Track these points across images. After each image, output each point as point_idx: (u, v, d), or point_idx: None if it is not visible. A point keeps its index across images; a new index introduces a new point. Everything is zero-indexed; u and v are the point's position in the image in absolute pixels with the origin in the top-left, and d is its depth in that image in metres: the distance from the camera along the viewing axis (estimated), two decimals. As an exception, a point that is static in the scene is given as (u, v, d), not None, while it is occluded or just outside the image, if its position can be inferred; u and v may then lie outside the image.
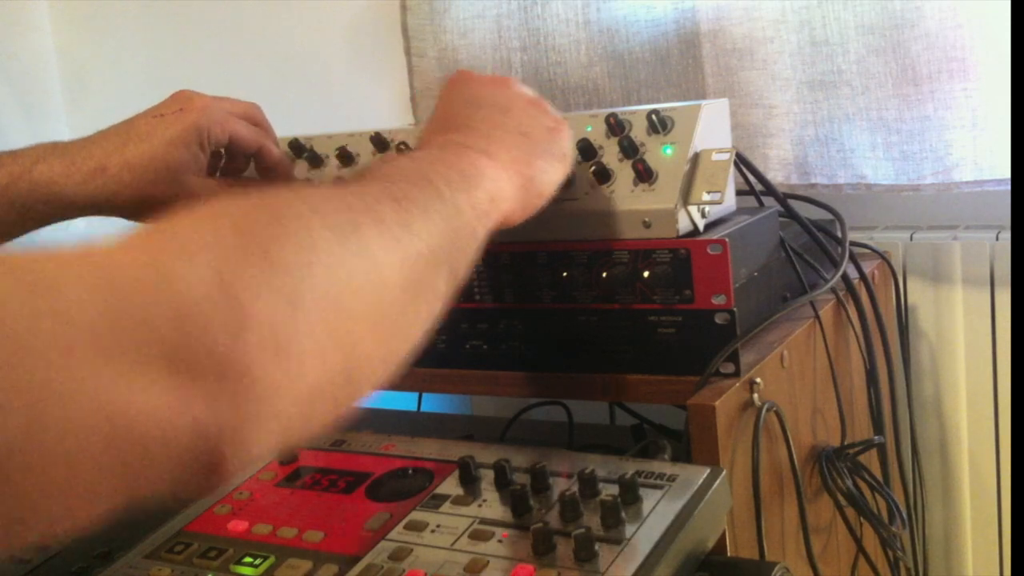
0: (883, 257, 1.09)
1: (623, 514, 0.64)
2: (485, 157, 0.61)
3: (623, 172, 0.78)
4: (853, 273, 0.97)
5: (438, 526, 0.67)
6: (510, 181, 0.62)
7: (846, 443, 0.90)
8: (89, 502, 0.37)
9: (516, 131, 0.66)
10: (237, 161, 0.90)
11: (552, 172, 0.67)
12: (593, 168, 0.78)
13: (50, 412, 0.34)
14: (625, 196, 0.77)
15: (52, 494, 0.35)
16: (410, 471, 0.75)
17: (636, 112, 0.79)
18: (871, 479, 0.91)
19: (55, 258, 0.37)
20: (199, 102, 0.85)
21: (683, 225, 0.76)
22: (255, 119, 0.90)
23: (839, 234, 0.95)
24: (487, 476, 0.72)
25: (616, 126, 0.79)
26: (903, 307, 1.12)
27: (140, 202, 0.84)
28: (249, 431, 0.39)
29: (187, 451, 0.38)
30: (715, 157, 0.76)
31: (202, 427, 0.37)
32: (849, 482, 0.87)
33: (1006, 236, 1.10)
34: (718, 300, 0.74)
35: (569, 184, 0.79)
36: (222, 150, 0.89)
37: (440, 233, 0.52)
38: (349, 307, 0.44)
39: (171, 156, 0.83)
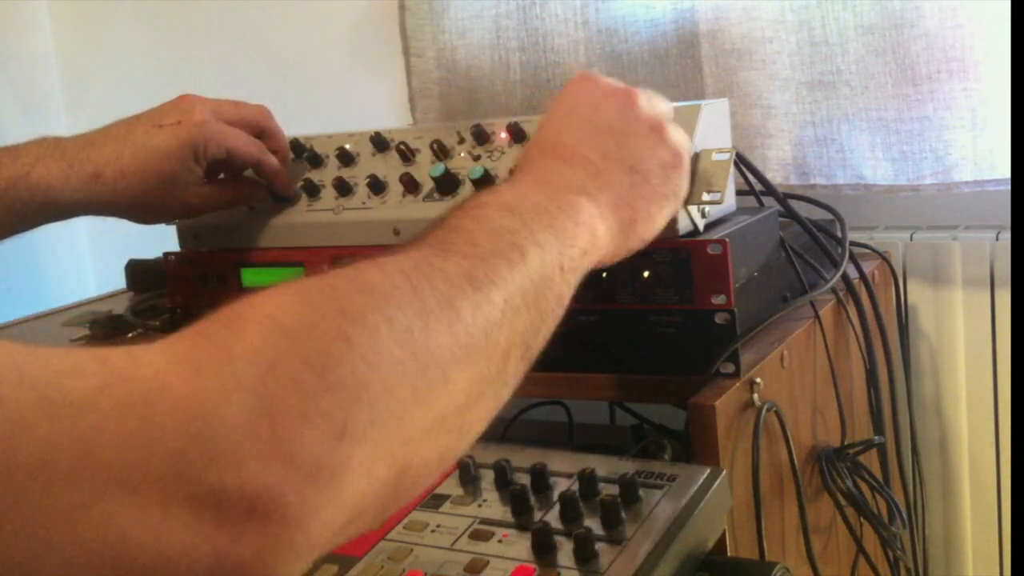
0: (883, 257, 1.09)
1: (623, 514, 0.64)
2: (587, 201, 0.57)
3: (623, 172, 0.77)
4: (853, 273, 0.97)
5: (438, 526, 0.67)
6: (609, 228, 0.58)
7: (846, 443, 0.90)
8: None
9: (627, 165, 0.61)
10: (236, 169, 0.89)
11: (658, 216, 0.63)
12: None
13: (58, 540, 0.31)
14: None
15: None
16: (410, 471, 0.75)
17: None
18: (871, 479, 0.91)
19: (97, 372, 0.34)
20: (198, 115, 0.83)
21: (683, 225, 0.76)
22: (260, 125, 0.89)
23: (839, 234, 0.95)
24: (487, 476, 0.72)
25: (616, 126, 0.79)
26: (903, 307, 1.11)
27: (135, 208, 0.84)
28: (276, 566, 0.36)
29: None
30: (715, 157, 0.76)
31: (222, 565, 0.34)
32: (849, 482, 0.87)
33: (1006, 236, 1.10)
34: (718, 300, 0.74)
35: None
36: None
37: (520, 318, 0.48)
38: (407, 421, 0.40)
39: (164, 169, 0.82)
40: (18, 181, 0.81)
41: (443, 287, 0.45)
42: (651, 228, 0.64)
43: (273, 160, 0.88)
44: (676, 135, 0.67)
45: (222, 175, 0.90)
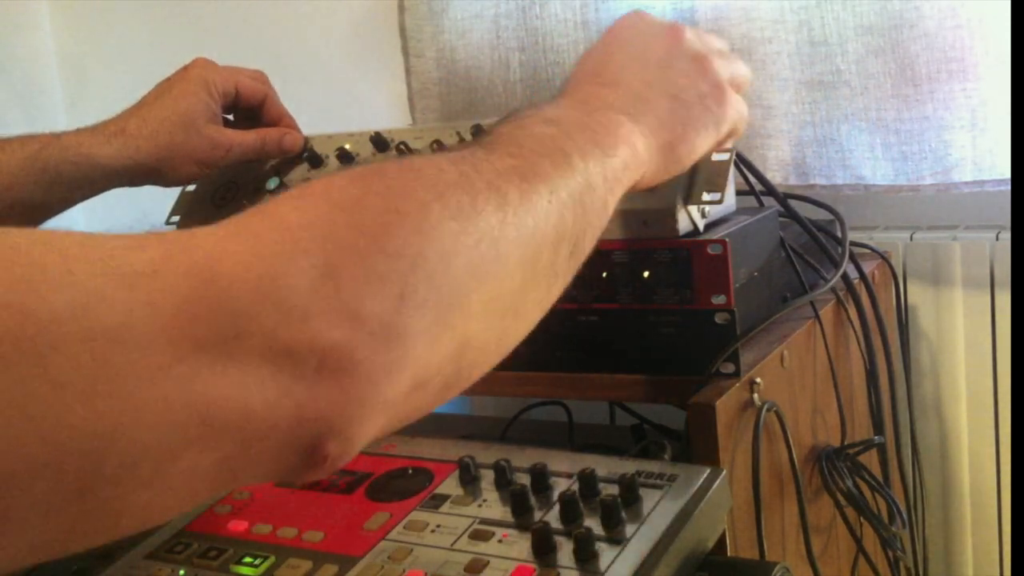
0: (883, 257, 1.09)
1: (623, 514, 0.64)
2: (628, 120, 0.58)
3: (623, 172, 0.77)
4: (853, 273, 0.97)
5: (438, 526, 0.67)
6: (648, 146, 0.59)
7: (846, 443, 0.90)
8: (187, 493, 0.36)
9: (668, 93, 0.62)
10: (245, 118, 0.95)
11: (698, 141, 0.64)
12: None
13: (145, 401, 0.33)
14: (625, 196, 0.77)
15: (150, 488, 0.34)
16: (410, 471, 0.75)
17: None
18: (871, 479, 0.91)
19: (155, 246, 0.36)
20: (200, 60, 0.92)
21: (683, 225, 0.76)
22: (259, 77, 0.97)
23: (839, 234, 0.95)
24: (487, 476, 0.72)
25: (616, 126, 0.79)
26: (903, 307, 1.11)
27: (162, 157, 0.88)
28: (352, 421, 0.38)
29: (288, 442, 0.36)
30: (715, 157, 0.76)
31: (303, 419, 0.36)
32: (849, 482, 0.87)
33: (1006, 236, 1.10)
34: (718, 300, 0.74)
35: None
36: (230, 116, 0.95)
37: (567, 212, 0.49)
38: (464, 295, 0.42)
39: (182, 106, 0.89)
40: (49, 144, 0.87)
41: (489, 175, 0.46)
42: (691, 153, 0.64)
43: (278, 99, 0.96)
44: (721, 68, 0.67)
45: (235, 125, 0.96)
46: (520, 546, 0.64)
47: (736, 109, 0.67)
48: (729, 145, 0.71)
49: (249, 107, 0.95)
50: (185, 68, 0.91)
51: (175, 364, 0.33)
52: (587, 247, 0.53)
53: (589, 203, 0.52)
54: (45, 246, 0.33)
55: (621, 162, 0.56)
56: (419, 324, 0.39)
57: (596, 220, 0.54)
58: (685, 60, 0.65)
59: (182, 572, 0.68)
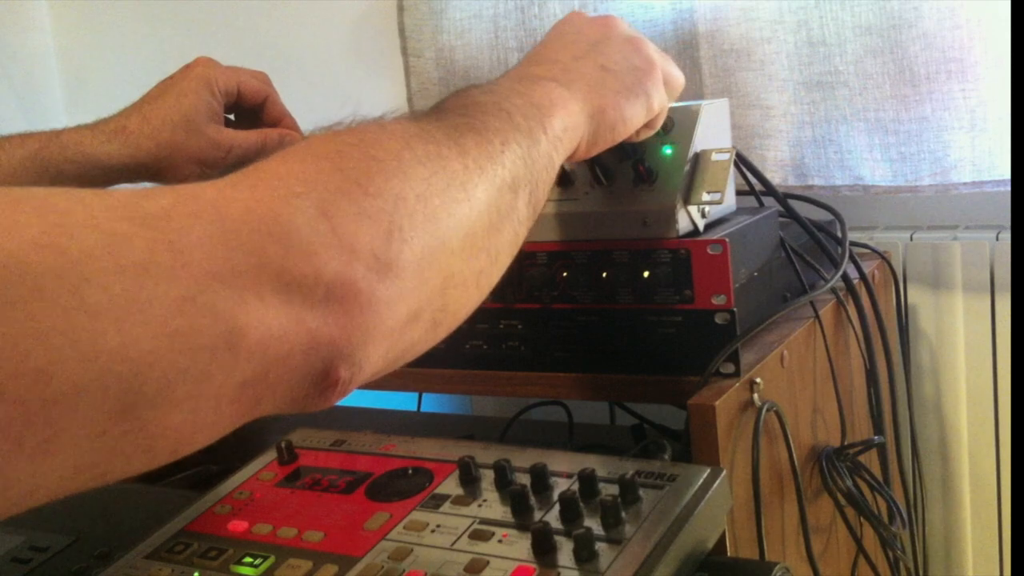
0: (883, 257, 1.09)
1: (623, 514, 0.64)
2: (558, 87, 0.62)
3: (623, 172, 0.78)
4: (853, 273, 0.97)
5: (438, 526, 0.67)
6: (582, 110, 0.62)
7: (846, 443, 0.90)
8: (215, 417, 0.39)
9: (598, 65, 0.66)
10: (246, 118, 0.96)
11: (628, 109, 0.66)
12: (593, 168, 0.78)
13: (176, 327, 0.36)
14: (625, 196, 0.77)
15: (182, 410, 0.37)
16: (410, 471, 0.75)
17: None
18: (871, 479, 0.91)
19: (164, 195, 0.39)
20: (204, 60, 0.92)
21: (683, 225, 0.76)
22: (260, 76, 0.97)
23: (839, 234, 0.95)
24: (487, 476, 0.72)
25: (616, 126, 0.79)
26: (903, 307, 1.12)
27: (163, 156, 0.88)
28: (360, 347, 0.42)
29: (304, 366, 0.40)
30: (715, 157, 0.76)
31: (316, 343, 0.40)
32: (849, 482, 0.87)
33: (1006, 236, 1.10)
34: (718, 300, 0.74)
35: (569, 184, 0.79)
36: (231, 116, 0.95)
37: (519, 160, 0.54)
38: (442, 232, 0.47)
39: (184, 104, 0.89)
40: (50, 142, 0.87)
41: (446, 129, 0.52)
42: (622, 121, 0.66)
43: (280, 100, 0.97)
44: (656, 53, 0.70)
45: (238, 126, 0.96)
46: (520, 546, 0.64)
47: (665, 92, 0.70)
48: (655, 129, 0.73)
49: (251, 107, 0.95)
50: (187, 67, 0.91)
51: (199, 295, 0.37)
52: (542, 196, 0.58)
53: (536, 155, 0.57)
54: (68, 197, 0.37)
55: (560, 122, 0.60)
56: (407, 258, 0.44)
57: (545, 174, 0.58)
58: (619, 40, 0.68)
59: (196, 574, 0.68)
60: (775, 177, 1.16)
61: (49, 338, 0.32)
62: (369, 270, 0.42)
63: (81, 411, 0.33)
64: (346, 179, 0.44)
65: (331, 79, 1.50)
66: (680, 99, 0.75)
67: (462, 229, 0.49)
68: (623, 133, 0.67)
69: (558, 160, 0.60)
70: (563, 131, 0.60)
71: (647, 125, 0.70)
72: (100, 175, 0.88)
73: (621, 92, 0.66)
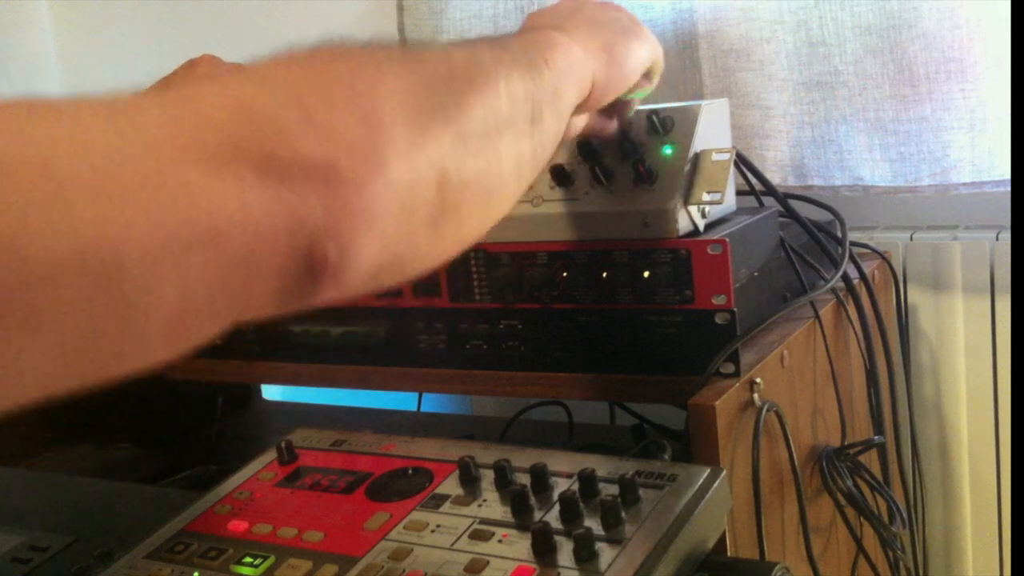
0: (883, 257, 1.09)
1: (623, 514, 0.64)
2: (561, 34, 0.61)
3: (623, 172, 0.78)
4: (853, 273, 0.97)
5: (438, 526, 0.67)
6: (585, 50, 0.62)
7: (846, 443, 0.90)
8: (197, 320, 0.38)
9: (586, 20, 0.66)
10: None
11: (632, 47, 0.66)
12: (593, 168, 0.78)
13: (155, 209, 0.35)
14: (625, 196, 0.77)
15: (170, 289, 0.36)
16: (410, 471, 0.75)
17: (636, 112, 0.79)
18: (871, 479, 0.91)
19: (125, 96, 0.39)
20: (207, 56, 0.90)
21: (683, 225, 0.76)
22: None
23: (839, 234, 0.95)
24: (487, 476, 0.72)
25: (616, 126, 0.79)
26: (903, 307, 1.12)
27: None
28: (344, 225, 0.41)
29: (289, 245, 0.39)
30: (715, 157, 0.76)
31: (300, 222, 0.39)
32: (849, 482, 0.87)
33: (1006, 236, 1.10)
34: (718, 300, 0.74)
35: (569, 184, 0.79)
36: None
37: (515, 75, 0.53)
38: (428, 121, 0.46)
39: None
40: None
41: (433, 50, 0.52)
42: (631, 60, 0.66)
43: None
44: (628, 12, 0.70)
45: None
46: (520, 546, 0.64)
47: (653, 38, 0.70)
48: (653, 84, 0.73)
49: None
50: (191, 64, 0.91)
51: (170, 172, 0.36)
52: (547, 122, 0.56)
53: (538, 80, 0.55)
54: (33, 98, 0.36)
55: (564, 59, 0.59)
56: (389, 141, 0.43)
57: (550, 103, 0.56)
58: (592, 5, 0.69)
59: (196, 574, 0.68)
60: (774, 177, 1.16)
61: (20, 214, 0.32)
62: (349, 152, 0.41)
63: (61, 287, 0.33)
64: (318, 73, 0.43)
65: (331, 79, 1.50)
66: (680, 99, 0.75)
67: (453, 124, 0.47)
68: (631, 73, 0.67)
69: (567, 98, 0.59)
70: (568, 68, 0.59)
71: (646, 76, 0.70)
72: None
73: (621, 33, 0.66)
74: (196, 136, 0.38)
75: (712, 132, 0.80)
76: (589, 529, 0.62)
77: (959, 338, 1.13)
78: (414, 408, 1.18)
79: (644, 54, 0.68)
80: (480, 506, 0.69)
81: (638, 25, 0.69)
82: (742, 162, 0.88)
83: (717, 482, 0.67)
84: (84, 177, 0.34)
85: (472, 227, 0.50)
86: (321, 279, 0.41)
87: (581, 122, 0.71)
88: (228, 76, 0.43)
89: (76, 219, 0.33)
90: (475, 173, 0.49)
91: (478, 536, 0.65)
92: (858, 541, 0.92)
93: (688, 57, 1.20)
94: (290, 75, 0.43)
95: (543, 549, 0.62)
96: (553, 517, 0.66)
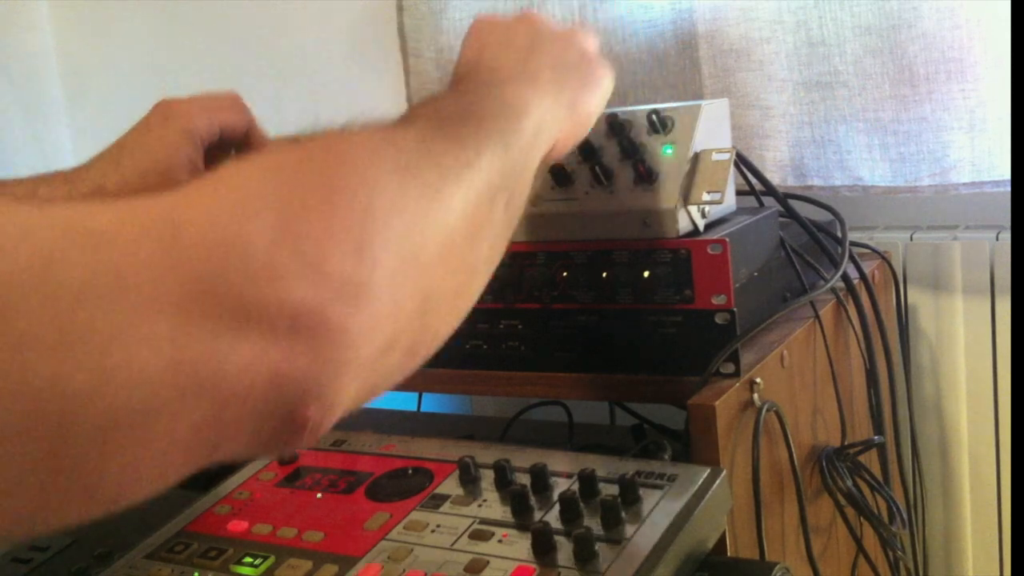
0: (883, 257, 1.10)
1: (623, 514, 0.64)
2: (526, 88, 0.60)
3: (623, 172, 0.78)
4: (853, 273, 0.97)
5: (438, 526, 0.67)
6: (552, 109, 0.61)
7: (846, 443, 0.90)
8: (164, 462, 0.35)
9: (547, 65, 0.64)
10: (228, 151, 0.90)
11: (591, 100, 0.66)
12: (593, 168, 0.78)
13: (115, 362, 0.32)
14: (625, 196, 0.77)
15: (124, 454, 0.34)
16: (410, 471, 0.75)
17: (636, 112, 0.79)
18: (871, 479, 0.91)
19: (109, 210, 0.36)
20: (182, 107, 0.84)
21: (683, 225, 0.76)
22: (237, 106, 0.90)
23: (839, 234, 0.95)
24: (487, 476, 0.72)
25: (616, 126, 0.79)
26: (903, 307, 1.12)
27: None
28: (331, 383, 0.38)
29: (266, 406, 0.36)
30: (715, 157, 0.76)
31: (281, 379, 0.36)
32: (849, 482, 0.87)
33: (1006, 236, 1.10)
34: (718, 300, 0.74)
35: (569, 184, 0.79)
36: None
37: (495, 167, 0.51)
38: (417, 248, 0.43)
39: (164, 164, 0.82)
40: (24, 199, 0.80)
41: (416, 137, 0.48)
42: (591, 111, 0.66)
43: (259, 124, 0.89)
44: (580, 40, 0.69)
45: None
46: (520, 546, 0.64)
47: (606, 70, 0.69)
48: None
49: (231, 142, 0.88)
50: (166, 118, 0.84)
51: (141, 325, 0.33)
52: (519, 204, 0.55)
53: (512, 160, 0.54)
54: (4, 211, 0.34)
55: (533, 124, 0.57)
56: (381, 277, 0.40)
57: (522, 179, 0.55)
58: (550, 39, 0.67)
59: (196, 574, 0.68)
60: (774, 177, 1.16)
61: None
62: (339, 294, 0.38)
63: (8, 448, 0.31)
64: (311, 192, 0.40)
65: (331, 79, 1.50)
66: (680, 99, 0.75)
67: (437, 242, 0.45)
68: (589, 127, 0.67)
69: (534, 164, 0.58)
70: (536, 133, 0.58)
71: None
72: None
73: (581, 86, 0.65)
74: (177, 283, 0.34)
75: (712, 132, 0.80)
76: (589, 529, 0.62)
77: (959, 338, 1.13)
78: (414, 408, 1.18)
79: (602, 102, 0.68)
80: (480, 506, 0.69)
81: (594, 63, 0.68)
82: (742, 162, 0.88)
83: (717, 482, 0.67)
84: (47, 330, 0.31)
85: (443, 338, 0.48)
86: (299, 435, 0.38)
87: None
88: (215, 185, 0.39)
89: (33, 378, 0.31)
90: (455, 288, 0.48)
91: (478, 536, 0.65)
92: (858, 541, 0.92)
93: (688, 57, 1.20)
94: (283, 190, 0.39)
95: (543, 549, 0.62)
96: (553, 517, 0.66)
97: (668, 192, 0.76)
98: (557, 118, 0.61)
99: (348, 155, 0.43)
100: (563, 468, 0.70)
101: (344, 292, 0.38)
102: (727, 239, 0.74)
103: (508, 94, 0.58)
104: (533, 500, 0.68)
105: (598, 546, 0.61)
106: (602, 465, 0.70)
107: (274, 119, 0.94)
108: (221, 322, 0.35)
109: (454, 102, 0.56)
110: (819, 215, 0.97)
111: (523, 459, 0.72)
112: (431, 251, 0.44)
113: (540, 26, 0.68)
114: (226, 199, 0.38)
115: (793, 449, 0.80)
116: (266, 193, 0.39)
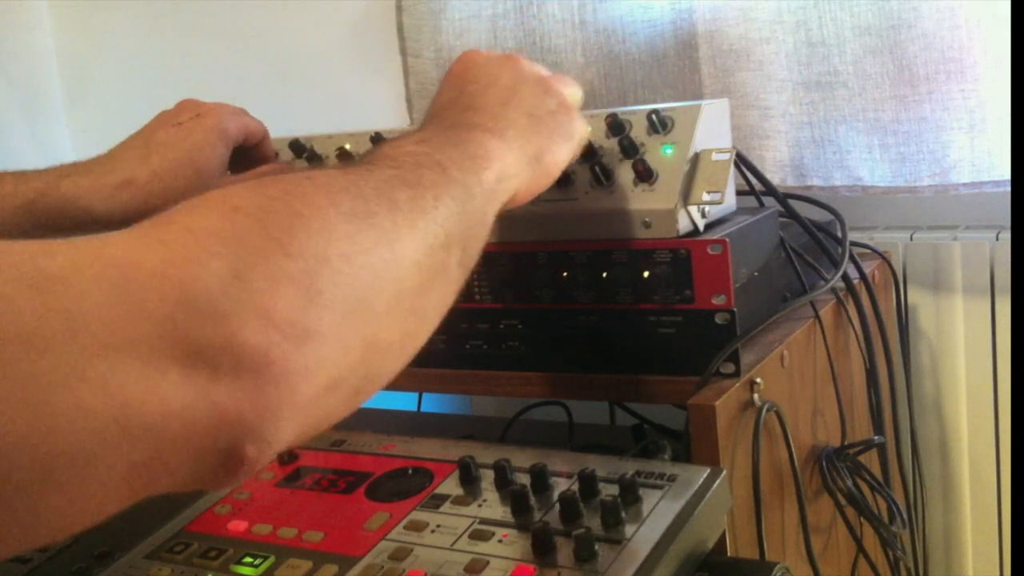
0: (883, 257, 1.10)
1: (623, 514, 0.64)
2: (493, 136, 0.60)
3: (623, 172, 0.78)
4: (853, 273, 0.97)
5: (438, 526, 0.67)
6: (517, 160, 0.61)
7: (846, 443, 0.90)
8: (103, 499, 0.36)
9: (523, 111, 0.65)
10: (244, 157, 0.92)
11: (559, 152, 0.66)
12: (593, 168, 0.78)
13: (58, 406, 0.33)
14: (625, 196, 0.77)
15: (64, 494, 0.34)
16: (410, 471, 0.75)
17: (636, 112, 0.79)
18: (871, 479, 0.91)
19: (63, 251, 0.36)
20: (210, 106, 0.87)
21: (683, 225, 0.76)
22: (256, 119, 0.92)
23: (839, 234, 0.95)
24: (487, 476, 0.72)
25: (616, 126, 0.79)
26: (903, 307, 1.12)
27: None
28: (270, 423, 0.38)
29: (206, 444, 0.37)
30: (715, 157, 0.76)
31: (221, 420, 0.37)
32: (849, 482, 0.87)
33: (1006, 236, 1.10)
34: (718, 300, 0.74)
35: (569, 184, 0.79)
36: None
37: (452, 216, 0.52)
38: (367, 295, 0.44)
39: (199, 160, 0.84)
40: (47, 191, 0.80)
41: (376, 183, 0.49)
42: (556, 163, 0.66)
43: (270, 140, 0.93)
44: (562, 87, 0.70)
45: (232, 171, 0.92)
46: (520, 546, 0.64)
47: (581, 122, 0.70)
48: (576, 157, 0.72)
49: (248, 148, 0.91)
50: (199, 115, 0.85)
51: (89, 368, 0.33)
52: (474, 254, 0.55)
53: (470, 210, 0.54)
54: None
55: (494, 175, 0.58)
56: (328, 323, 0.41)
57: (479, 229, 0.56)
58: (530, 83, 0.68)
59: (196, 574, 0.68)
60: (774, 177, 1.16)
61: None
62: (285, 338, 0.38)
63: None
64: (266, 237, 0.40)
65: (330, 79, 1.51)
66: (680, 99, 0.75)
67: (389, 291, 0.45)
68: (556, 176, 0.67)
69: (492, 214, 0.58)
70: (498, 183, 0.58)
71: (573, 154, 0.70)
72: (96, 228, 0.84)
73: (551, 137, 0.65)
74: (129, 326, 0.35)
75: (712, 132, 0.80)
76: (589, 529, 0.62)
77: (959, 338, 1.13)
78: (414, 408, 1.18)
79: (569, 154, 0.68)
80: (480, 506, 0.69)
81: (571, 114, 0.68)
82: (742, 162, 0.88)
83: (717, 482, 0.67)
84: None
85: (388, 380, 0.48)
86: (235, 472, 0.39)
87: None
88: (170, 227, 0.40)
89: None
90: (403, 333, 0.48)
91: (478, 536, 0.65)
92: (858, 541, 0.92)
93: (688, 57, 1.20)
94: (238, 234, 0.40)
95: (543, 549, 0.62)
96: (553, 517, 0.66)
97: (668, 192, 0.76)
98: (521, 169, 0.62)
99: (306, 202, 0.44)
100: (563, 468, 0.70)
101: (291, 335, 0.39)
102: (727, 239, 0.74)
103: (473, 143, 0.59)
104: (533, 500, 0.68)
105: (598, 546, 0.61)
106: (602, 465, 0.70)
107: (274, 119, 0.94)
108: (169, 364, 0.35)
109: (423, 145, 0.56)
110: (819, 215, 0.97)
111: (523, 459, 0.72)
112: (382, 298, 0.45)
113: (524, 70, 0.69)
114: (180, 241, 0.39)
115: (793, 449, 0.80)
116: (222, 236, 0.39)
